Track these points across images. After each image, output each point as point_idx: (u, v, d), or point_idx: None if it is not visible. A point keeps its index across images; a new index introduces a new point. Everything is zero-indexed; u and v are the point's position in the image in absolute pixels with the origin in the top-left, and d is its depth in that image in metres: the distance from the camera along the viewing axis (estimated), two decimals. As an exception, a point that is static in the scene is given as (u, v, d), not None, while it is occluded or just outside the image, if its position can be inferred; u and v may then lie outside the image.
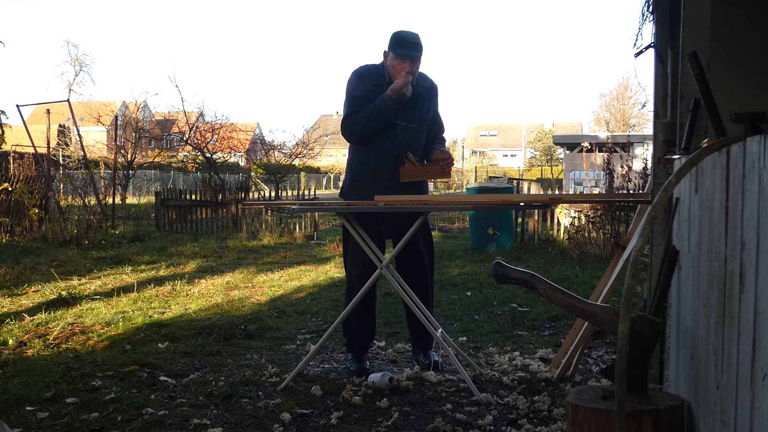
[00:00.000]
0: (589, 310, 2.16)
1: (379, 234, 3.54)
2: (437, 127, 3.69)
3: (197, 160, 20.70)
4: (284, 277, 6.73)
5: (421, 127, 3.56)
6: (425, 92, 3.56)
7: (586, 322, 3.17)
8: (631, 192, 7.66)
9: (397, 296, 4.82)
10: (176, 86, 51.64)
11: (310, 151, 21.15)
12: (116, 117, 29.33)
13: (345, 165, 3.85)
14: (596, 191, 15.39)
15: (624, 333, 1.65)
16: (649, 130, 30.70)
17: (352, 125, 3.48)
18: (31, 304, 5.23)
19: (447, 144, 3.89)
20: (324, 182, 44.53)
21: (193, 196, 12.60)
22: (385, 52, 3.48)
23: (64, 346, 3.99)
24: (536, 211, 9.19)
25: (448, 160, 3.55)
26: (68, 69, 54.63)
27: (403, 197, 3.31)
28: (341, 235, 3.72)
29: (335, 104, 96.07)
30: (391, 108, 3.38)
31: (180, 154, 26.09)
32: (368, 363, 3.60)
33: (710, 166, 1.71)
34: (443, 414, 2.89)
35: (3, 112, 7.67)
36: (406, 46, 3.39)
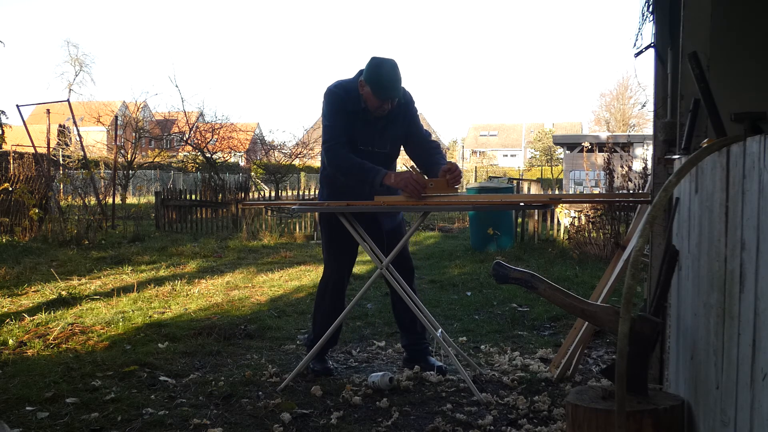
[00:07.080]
0: (589, 310, 2.16)
1: (379, 235, 3.54)
2: (421, 141, 3.50)
3: (197, 160, 20.69)
4: (284, 277, 6.73)
5: (393, 150, 3.46)
6: (399, 112, 3.40)
7: (586, 322, 3.17)
8: (631, 192, 7.66)
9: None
10: (176, 86, 51.59)
11: (310, 151, 21.13)
12: (116, 117, 29.31)
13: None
14: (596, 191, 15.39)
15: (624, 333, 1.65)
16: (649, 130, 30.70)
17: (337, 167, 3.30)
18: (31, 304, 5.23)
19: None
20: (324, 182, 44.41)
21: (193, 196, 12.60)
22: (361, 80, 3.27)
23: (64, 346, 3.99)
24: (536, 211, 9.19)
25: (455, 174, 3.15)
26: (68, 69, 54.42)
27: (402, 197, 3.30)
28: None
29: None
30: (377, 185, 3.20)
31: (180, 154, 26.07)
32: (331, 363, 3.61)
33: (710, 166, 1.71)
34: (443, 414, 2.89)
35: (3, 112, 7.64)
36: (388, 90, 3.21)
